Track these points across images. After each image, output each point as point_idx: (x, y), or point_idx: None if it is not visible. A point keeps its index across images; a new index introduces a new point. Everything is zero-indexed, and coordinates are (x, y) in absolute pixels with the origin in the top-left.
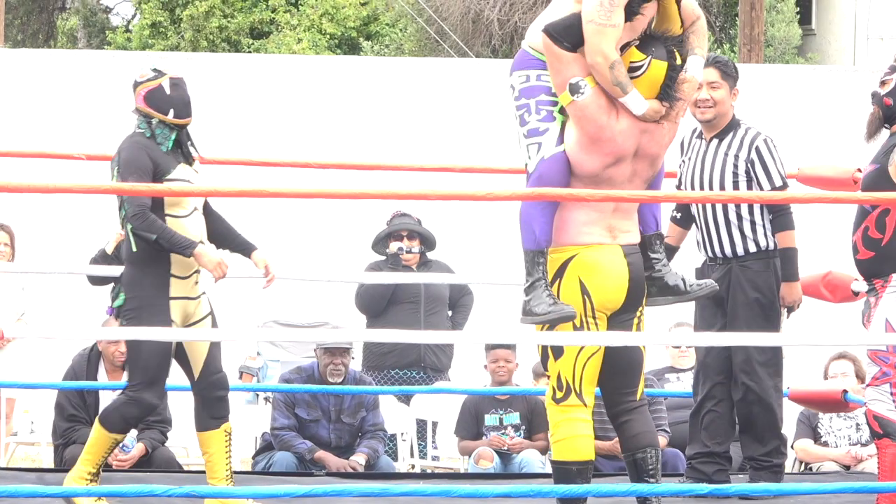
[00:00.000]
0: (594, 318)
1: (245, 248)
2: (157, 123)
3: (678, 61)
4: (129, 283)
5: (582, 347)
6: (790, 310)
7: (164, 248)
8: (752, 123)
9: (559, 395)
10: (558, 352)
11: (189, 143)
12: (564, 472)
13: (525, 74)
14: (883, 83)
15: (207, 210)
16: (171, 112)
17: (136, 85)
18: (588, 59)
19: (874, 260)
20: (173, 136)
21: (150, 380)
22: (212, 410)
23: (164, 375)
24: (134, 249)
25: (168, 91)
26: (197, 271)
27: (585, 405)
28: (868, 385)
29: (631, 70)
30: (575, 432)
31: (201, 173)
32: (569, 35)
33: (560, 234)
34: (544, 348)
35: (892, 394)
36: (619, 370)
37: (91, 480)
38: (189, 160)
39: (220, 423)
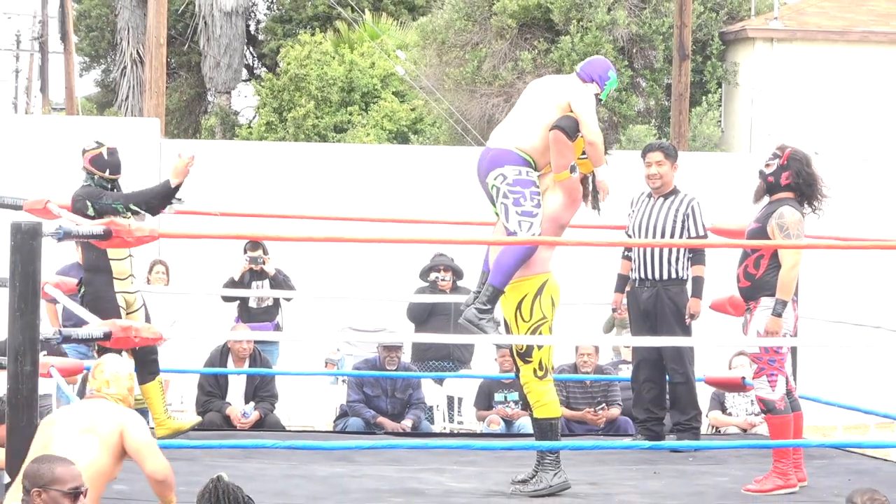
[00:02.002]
0: (553, 321)
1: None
2: (97, 178)
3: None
4: (87, 282)
5: None
6: (692, 317)
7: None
8: (686, 189)
9: (540, 373)
10: (539, 345)
11: (119, 190)
12: (550, 425)
13: (518, 169)
14: (767, 165)
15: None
16: (108, 171)
17: (84, 151)
18: (593, 137)
19: (750, 288)
20: (109, 186)
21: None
22: (149, 368)
23: None
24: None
25: (106, 157)
26: (132, 275)
27: (552, 379)
28: (753, 378)
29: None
30: (554, 397)
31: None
32: (575, 132)
33: (534, 266)
34: (528, 343)
35: (768, 382)
36: None
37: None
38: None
39: (155, 377)
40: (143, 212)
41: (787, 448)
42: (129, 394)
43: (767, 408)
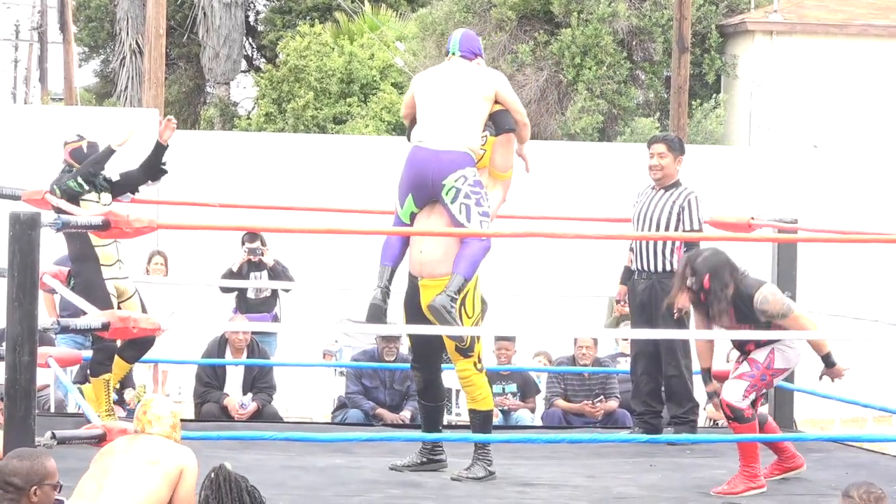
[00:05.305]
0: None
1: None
2: (75, 171)
3: None
4: (76, 273)
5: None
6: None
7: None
8: (687, 183)
9: (479, 366)
10: (478, 339)
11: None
12: (489, 416)
13: (473, 171)
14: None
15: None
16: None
17: (66, 144)
18: (525, 119)
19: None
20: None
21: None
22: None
23: None
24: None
25: (85, 150)
26: (119, 260)
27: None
28: (733, 378)
29: None
30: (490, 390)
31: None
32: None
33: None
34: (471, 338)
35: (743, 389)
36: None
37: (109, 416)
38: (99, 191)
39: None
40: (102, 184)
41: (754, 451)
42: (172, 430)
43: (735, 415)
